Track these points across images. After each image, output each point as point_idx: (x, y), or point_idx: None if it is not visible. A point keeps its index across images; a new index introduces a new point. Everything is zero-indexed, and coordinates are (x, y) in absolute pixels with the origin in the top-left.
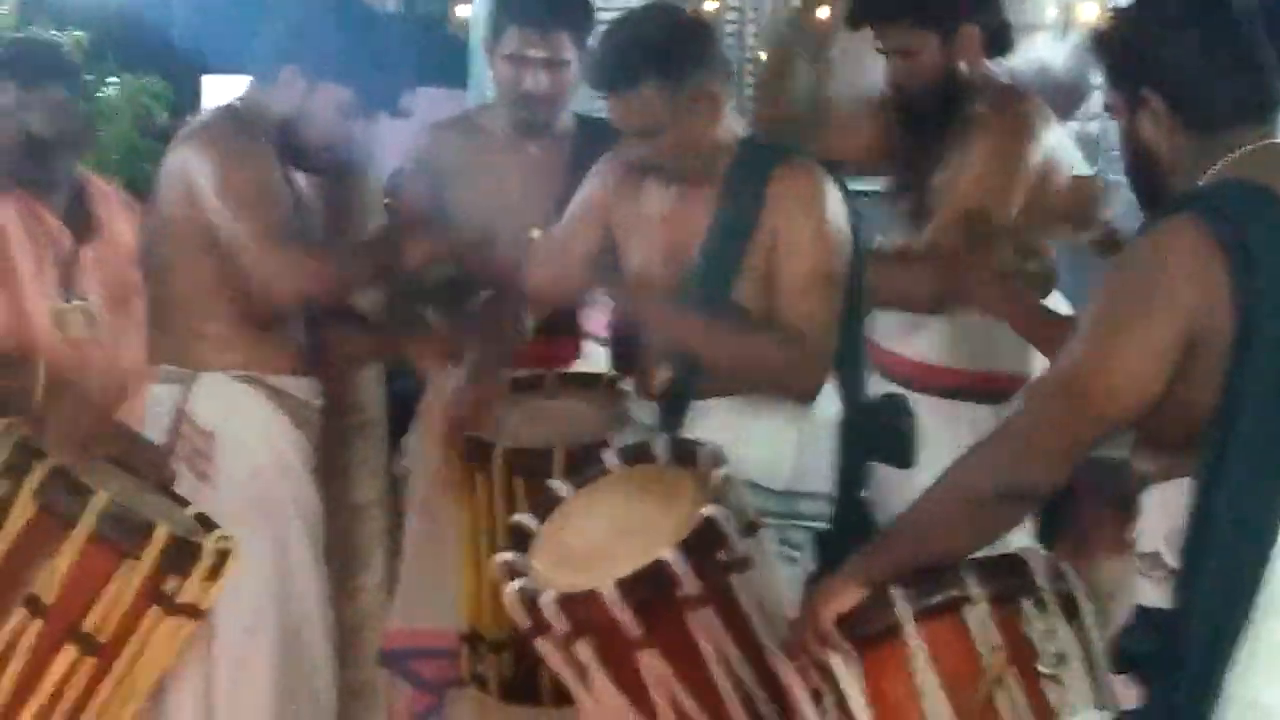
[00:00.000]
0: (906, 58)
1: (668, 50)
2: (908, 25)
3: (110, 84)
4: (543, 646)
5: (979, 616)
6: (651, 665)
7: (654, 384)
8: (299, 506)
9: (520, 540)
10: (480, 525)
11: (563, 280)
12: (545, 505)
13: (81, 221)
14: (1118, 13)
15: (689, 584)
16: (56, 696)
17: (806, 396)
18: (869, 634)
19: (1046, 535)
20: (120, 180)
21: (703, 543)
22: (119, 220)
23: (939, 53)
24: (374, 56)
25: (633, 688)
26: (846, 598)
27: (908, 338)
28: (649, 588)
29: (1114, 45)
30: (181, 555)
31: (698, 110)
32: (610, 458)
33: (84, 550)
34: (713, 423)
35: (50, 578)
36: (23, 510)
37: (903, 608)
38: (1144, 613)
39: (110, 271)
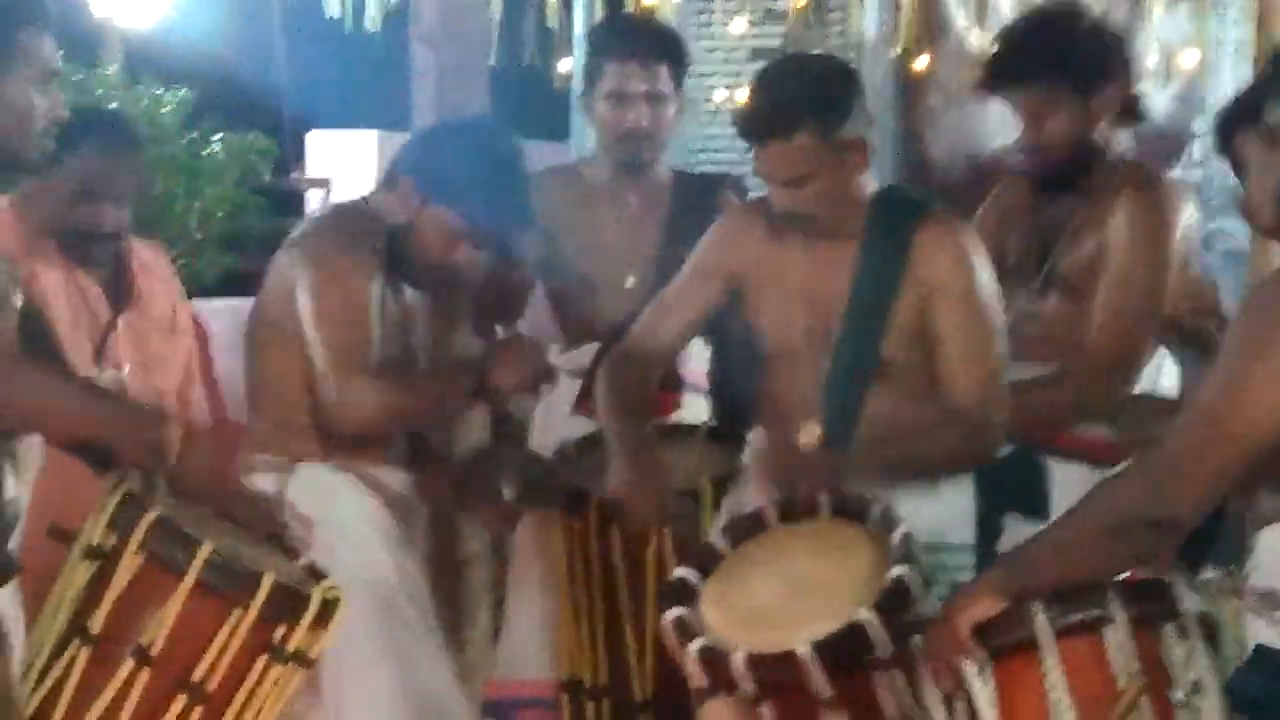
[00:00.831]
0: (1041, 119)
1: (824, 98)
2: (1047, 84)
3: (215, 141)
4: (713, 707)
5: (1119, 639)
6: None
7: (802, 441)
8: (405, 585)
9: (681, 595)
10: (578, 574)
11: (672, 338)
12: (703, 561)
13: (121, 289)
14: None
15: (882, 647)
16: None
17: (992, 458)
18: (1005, 645)
19: (1193, 560)
20: (224, 236)
21: (892, 603)
22: (156, 289)
23: (1077, 116)
24: (495, 190)
25: None
26: (985, 606)
27: None
28: (844, 650)
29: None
30: (289, 604)
31: (846, 160)
32: (770, 513)
33: (191, 600)
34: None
35: (158, 628)
36: (130, 561)
37: (1042, 623)
38: (1263, 653)
39: (142, 340)
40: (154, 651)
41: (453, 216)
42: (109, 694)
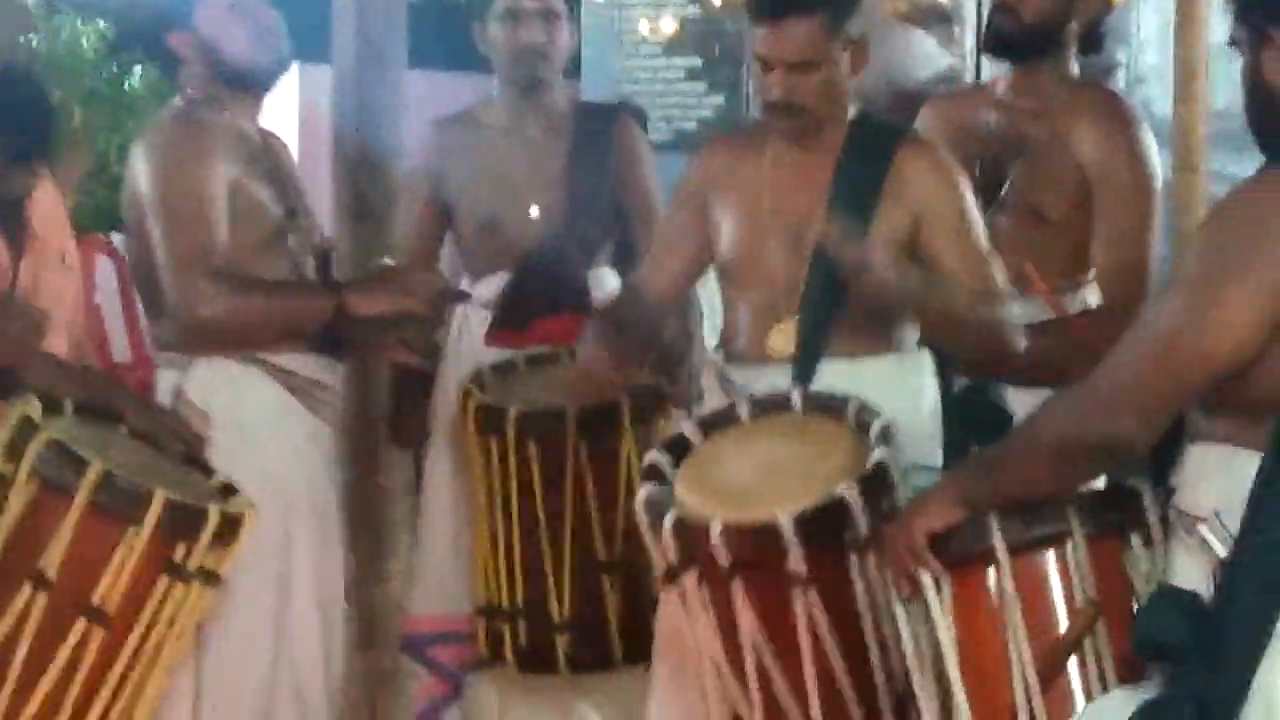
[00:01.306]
0: None
1: None
2: None
3: (135, 73)
4: (686, 582)
5: (1076, 556)
6: (809, 606)
7: (772, 346)
8: (309, 491)
9: (653, 478)
10: (496, 494)
11: (679, 279)
12: (674, 449)
13: (19, 228)
14: None
15: (861, 524)
16: (70, 670)
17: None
18: (961, 556)
19: (1160, 466)
20: None
21: (874, 483)
22: (50, 225)
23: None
24: None
25: (777, 632)
26: (940, 516)
27: None
28: (824, 524)
29: None
30: (186, 521)
31: (847, 56)
32: (742, 409)
33: (84, 521)
34: (837, 386)
35: (53, 551)
36: (23, 486)
37: (997, 536)
38: (1170, 594)
39: (38, 278)
40: (50, 575)
41: (212, 9)
42: (7, 621)
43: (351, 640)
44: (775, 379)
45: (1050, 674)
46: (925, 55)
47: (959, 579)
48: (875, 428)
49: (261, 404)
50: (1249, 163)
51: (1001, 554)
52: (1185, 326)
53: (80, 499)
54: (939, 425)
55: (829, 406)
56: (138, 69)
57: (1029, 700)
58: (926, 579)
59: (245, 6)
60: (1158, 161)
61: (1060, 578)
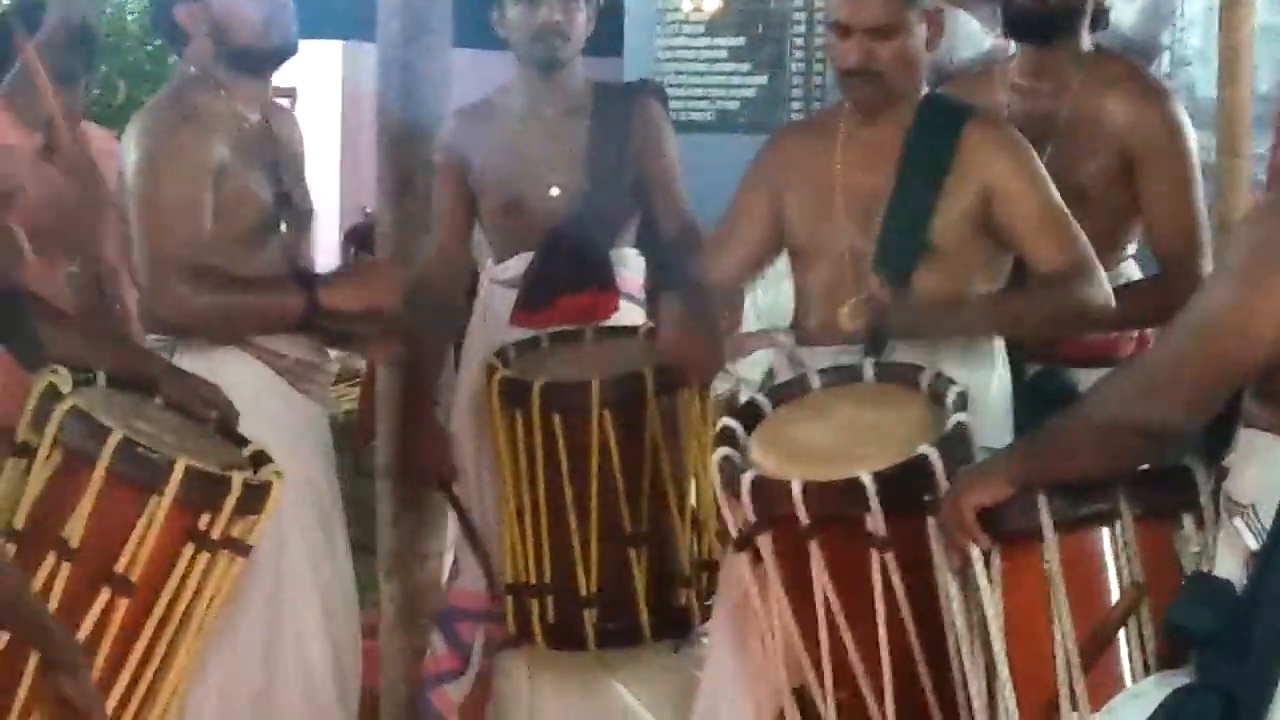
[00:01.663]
0: None
1: None
2: None
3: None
4: (761, 543)
5: (1124, 536)
6: (886, 568)
7: (843, 323)
8: (303, 472)
9: (727, 442)
10: (521, 468)
11: (746, 266)
12: (746, 416)
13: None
14: None
15: (943, 486)
16: (95, 639)
17: (1109, 304)
18: (1010, 532)
19: (1214, 448)
20: None
21: (953, 445)
22: (110, 167)
23: None
24: None
25: (852, 594)
26: (990, 491)
27: None
28: (905, 484)
29: None
30: (208, 490)
31: (924, 27)
32: (814, 379)
33: (106, 490)
34: None
35: (76, 520)
36: (46, 454)
37: (1045, 514)
38: (1202, 581)
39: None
40: (74, 544)
41: None
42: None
43: (392, 619)
44: (847, 360)
45: (1093, 653)
46: (968, 35)
47: (1007, 554)
48: (952, 394)
49: (248, 386)
50: None
51: (1049, 531)
52: (1230, 314)
53: (101, 467)
54: (1009, 409)
55: (902, 375)
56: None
57: (1070, 677)
58: (975, 552)
59: None
60: (1190, 126)
61: (1108, 557)
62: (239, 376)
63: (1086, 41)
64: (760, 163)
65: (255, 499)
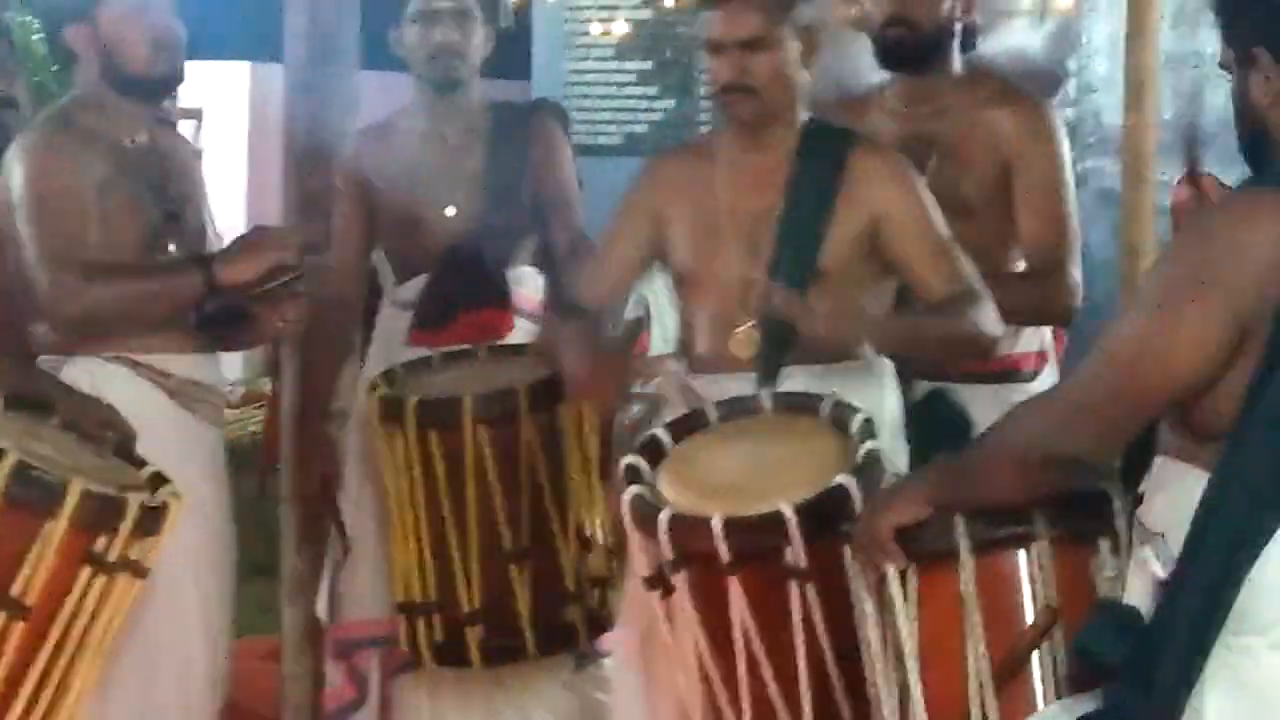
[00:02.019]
0: None
1: None
2: None
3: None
4: (677, 581)
5: (1039, 559)
6: (806, 599)
7: (737, 350)
8: (187, 493)
9: (635, 479)
10: (402, 486)
11: (618, 288)
12: (649, 452)
13: None
14: None
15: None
16: None
17: (998, 333)
18: (927, 553)
19: (1127, 479)
20: None
21: (869, 473)
22: None
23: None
24: None
25: (771, 626)
26: (908, 511)
27: None
28: (824, 514)
29: (1227, 1)
30: (106, 512)
31: (797, 46)
32: (710, 412)
33: (1, 513)
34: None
35: None
36: None
37: (961, 535)
38: (1110, 609)
39: None
40: None
41: (120, 6)
42: None
43: (295, 644)
44: (738, 387)
45: (1006, 675)
46: (873, 61)
47: (924, 574)
48: (856, 421)
49: (132, 404)
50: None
51: (965, 552)
52: (1146, 346)
53: None
54: (901, 430)
55: (802, 405)
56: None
57: (983, 699)
58: (891, 571)
59: (151, 15)
60: (1064, 135)
61: (1024, 580)
62: (123, 394)
63: (958, 63)
64: (639, 188)
65: (152, 521)
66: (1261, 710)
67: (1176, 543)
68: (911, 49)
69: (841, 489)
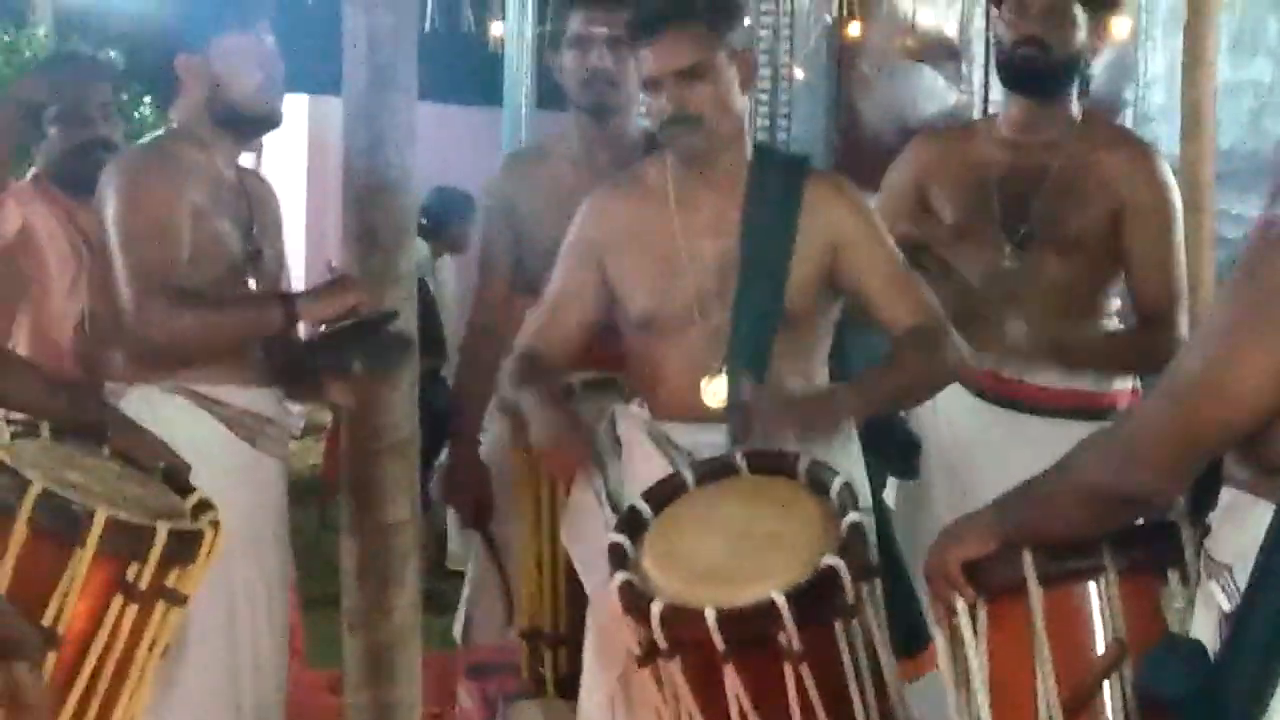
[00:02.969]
0: (1058, 18)
1: None
2: None
3: (145, 103)
4: (672, 668)
5: (1107, 591)
6: (801, 679)
7: (709, 400)
8: (247, 525)
9: (619, 561)
10: (542, 524)
11: (581, 337)
12: (630, 526)
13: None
14: None
15: (849, 592)
16: None
17: (962, 360)
18: (995, 586)
19: (1198, 506)
20: None
21: (854, 549)
22: None
23: (1084, 31)
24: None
25: (768, 706)
26: (976, 545)
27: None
28: (815, 597)
29: None
30: (133, 540)
31: (734, 67)
32: (686, 475)
33: (28, 542)
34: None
35: (1, 573)
36: None
37: (1029, 568)
38: (1175, 644)
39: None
40: None
41: (235, 41)
42: None
43: (356, 674)
44: (710, 437)
45: (1076, 708)
46: (932, 91)
47: (993, 607)
48: (836, 485)
49: (189, 433)
50: (1255, 202)
51: (1033, 585)
52: (1207, 383)
53: (22, 519)
54: (864, 468)
55: (778, 465)
56: (147, 99)
57: None
58: (960, 605)
59: (263, 53)
60: (1175, 185)
61: (1093, 612)
62: (181, 423)
63: (1076, 103)
64: (582, 230)
65: (185, 548)
66: None
67: (1243, 575)
68: (1040, 71)
69: (831, 570)
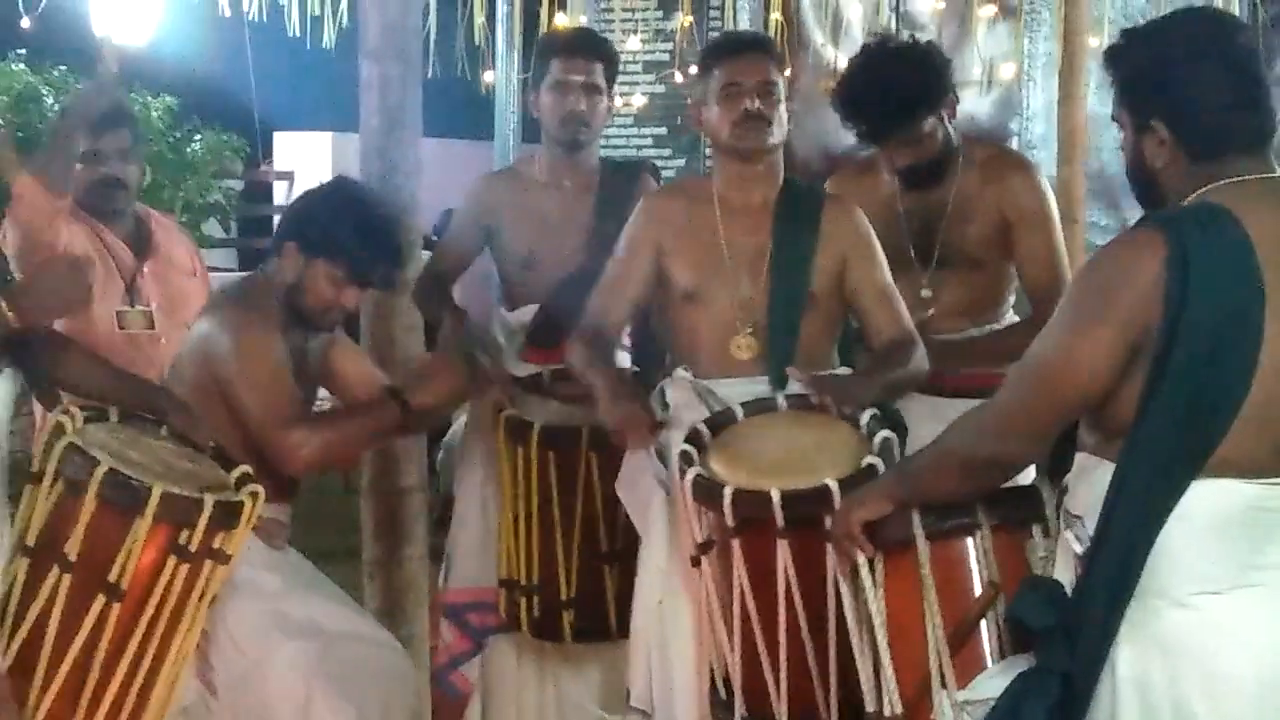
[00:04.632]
0: (919, 143)
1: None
2: (923, 119)
3: (196, 140)
4: (734, 544)
5: (982, 545)
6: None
7: (739, 354)
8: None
9: (689, 463)
10: (519, 491)
11: (620, 313)
12: (694, 442)
13: (143, 243)
14: (1131, 36)
15: None
16: (94, 639)
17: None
18: (890, 542)
19: (1055, 469)
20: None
21: (887, 455)
22: (175, 244)
23: (940, 128)
24: (366, 239)
25: (809, 582)
26: (873, 509)
27: None
28: (858, 489)
29: (1126, 69)
30: (184, 510)
31: (784, 107)
32: (738, 411)
33: (96, 511)
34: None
35: (74, 538)
36: (50, 483)
37: (917, 526)
38: (1035, 583)
39: (165, 283)
40: (72, 558)
41: (333, 267)
42: (40, 600)
43: (374, 615)
44: (743, 387)
45: (959, 640)
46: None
47: (888, 560)
48: (865, 417)
49: None
50: (1117, 215)
51: (921, 540)
52: (1058, 361)
53: (91, 493)
54: None
55: (815, 405)
56: (198, 137)
57: (940, 661)
58: (861, 559)
59: (349, 295)
60: (1049, 189)
61: (971, 562)
62: None
63: (954, 139)
64: (640, 224)
65: (229, 516)
66: (1164, 657)
67: (1092, 523)
68: (924, 176)
69: (873, 468)
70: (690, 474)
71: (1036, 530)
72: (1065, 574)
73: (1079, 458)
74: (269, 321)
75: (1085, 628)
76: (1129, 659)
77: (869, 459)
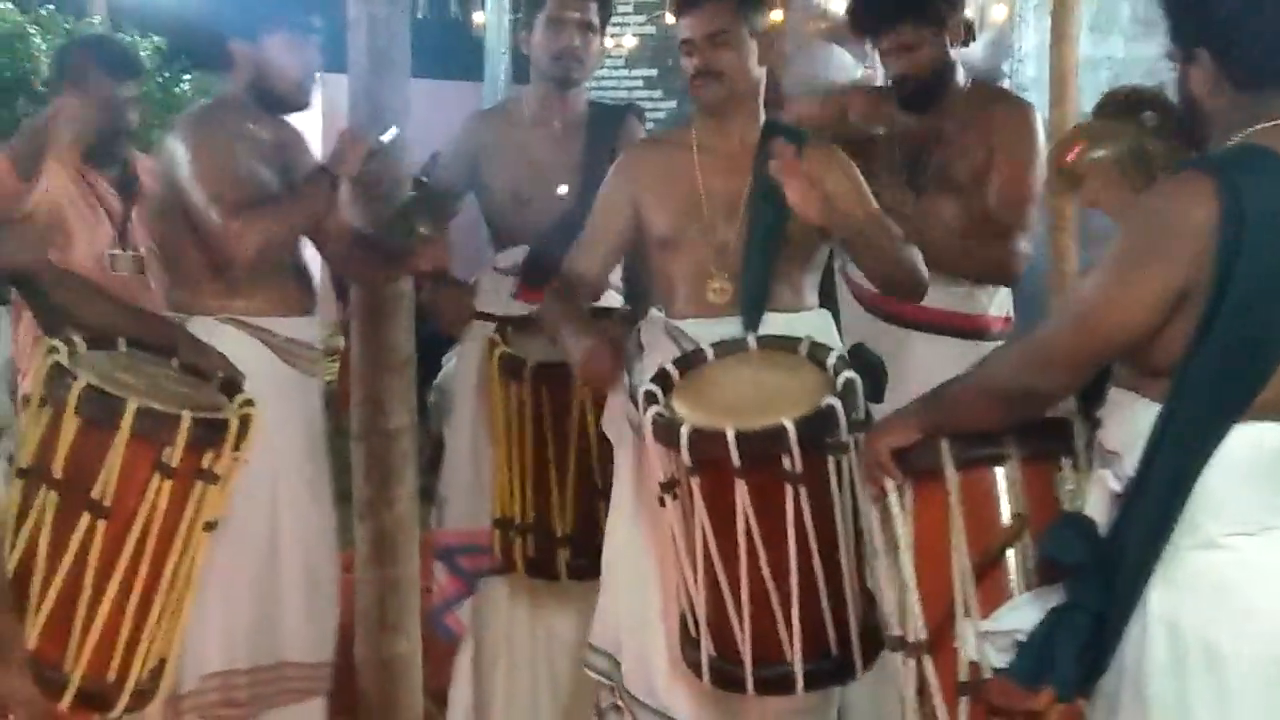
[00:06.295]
0: (909, 53)
1: None
2: (911, 24)
3: (185, 80)
4: (694, 483)
5: (1011, 475)
6: (798, 501)
7: (713, 297)
8: (299, 442)
9: (653, 402)
10: (513, 428)
11: (600, 264)
12: (660, 381)
13: (130, 187)
14: None
15: (843, 430)
16: (82, 555)
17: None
18: (918, 470)
19: (1088, 403)
20: None
21: (848, 397)
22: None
23: (936, 45)
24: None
25: (769, 524)
26: (902, 435)
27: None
28: (815, 429)
29: (1176, 5)
30: (161, 425)
31: (757, 41)
32: (708, 351)
33: (79, 430)
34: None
35: (59, 455)
36: (38, 403)
37: (945, 455)
38: (1069, 519)
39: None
40: (58, 475)
41: (278, 39)
42: (32, 519)
43: (365, 556)
44: (718, 328)
45: (984, 569)
46: (842, 66)
47: (917, 487)
48: (832, 357)
49: (240, 357)
50: None
51: (950, 469)
52: (1103, 302)
53: (70, 408)
54: None
55: (784, 345)
56: (186, 77)
57: (965, 590)
58: (890, 485)
59: (305, 52)
60: (1040, 127)
61: (999, 492)
62: (234, 349)
63: (961, 76)
64: (615, 181)
65: (212, 433)
66: (1195, 597)
67: (1131, 462)
68: (919, 95)
69: (831, 408)
70: (650, 412)
71: (1066, 463)
72: (1098, 510)
73: (1114, 392)
74: (216, 121)
75: (1121, 566)
76: (1160, 599)
77: (828, 399)
